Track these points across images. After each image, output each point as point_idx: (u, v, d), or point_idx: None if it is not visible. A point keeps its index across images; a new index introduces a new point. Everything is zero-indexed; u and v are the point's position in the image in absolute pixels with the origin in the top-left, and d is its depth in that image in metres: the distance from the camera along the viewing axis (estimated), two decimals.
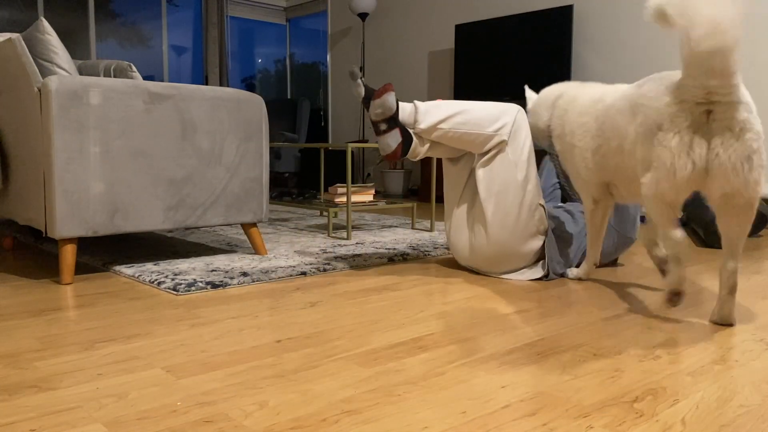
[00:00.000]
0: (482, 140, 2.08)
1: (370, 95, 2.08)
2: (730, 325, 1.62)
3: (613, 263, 2.46)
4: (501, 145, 2.08)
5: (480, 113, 2.09)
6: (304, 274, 2.21)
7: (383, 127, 2.06)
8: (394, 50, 6.29)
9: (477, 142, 2.09)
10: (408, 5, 6.09)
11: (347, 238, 3.01)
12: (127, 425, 1.00)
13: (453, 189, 2.28)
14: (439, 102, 2.12)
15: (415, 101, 2.12)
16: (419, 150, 2.13)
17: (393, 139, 2.06)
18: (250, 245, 2.79)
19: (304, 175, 6.31)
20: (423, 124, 2.08)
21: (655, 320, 1.66)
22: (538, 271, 2.17)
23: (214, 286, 1.99)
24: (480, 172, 2.11)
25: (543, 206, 2.14)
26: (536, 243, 2.14)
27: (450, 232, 2.29)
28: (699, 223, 3.10)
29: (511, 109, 2.11)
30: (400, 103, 2.10)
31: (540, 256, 2.19)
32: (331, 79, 7.05)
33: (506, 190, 2.08)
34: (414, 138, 2.11)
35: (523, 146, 2.09)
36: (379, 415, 1.05)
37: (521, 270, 2.19)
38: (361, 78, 2.09)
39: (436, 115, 2.08)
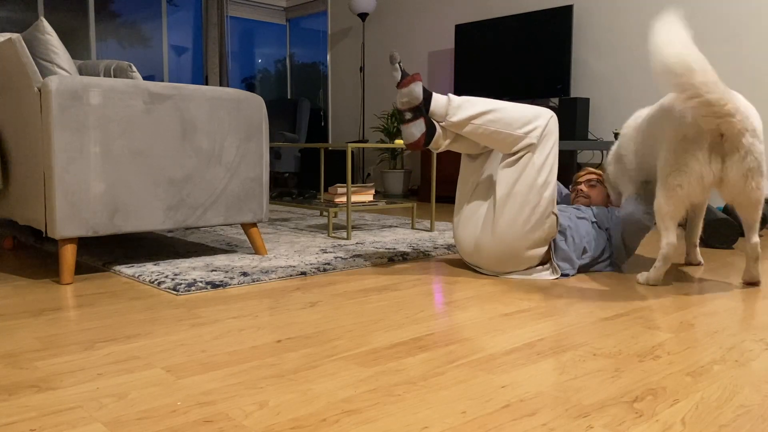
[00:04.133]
0: (512, 141, 2.08)
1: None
2: (757, 283, 2.11)
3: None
4: (530, 148, 2.08)
5: (513, 114, 2.08)
6: (304, 274, 2.21)
7: (408, 116, 2.08)
8: (394, 50, 6.29)
9: (506, 142, 2.09)
10: (408, 5, 6.09)
11: (347, 238, 3.01)
12: (127, 425, 1.00)
13: (466, 184, 2.29)
14: (472, 98, 2.13)
15: (450, 94, 2.12)
16: (441, 142, 2.15)
17: (417, 128, 2.08)
18: (250, 245, 2.79)
19: (304, 175, 6.31)
20: (455, 118, 2.08)
21: (655, 320, 1.66)
22: (547, 274, 2.18)
23: (214, 286, 1.99)
24: (503, 172, 2.11)
25: (556, 215, 2.13)
26: (541, 250, 2.14)
27: (457, 226, 2.29)
28: None
29: (545, 113, 2.11)
30: (434, 95, 2.10)
31: (545, 259, 2.19)
32: (331, 79, 7.05)
33: (525, 191, 2.07)
34: (438, 129, 2.12)
35: (549, 152, 2.09)
36: (379, 415, 1.05)
37: (529, 270, 2.19)
38: (399, 62, 2.10)
39: (470, 110, 2.08)
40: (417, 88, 2.06)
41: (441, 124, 2.12)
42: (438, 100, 2.10)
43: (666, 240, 2.03)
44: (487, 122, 2.08)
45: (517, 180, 2.08)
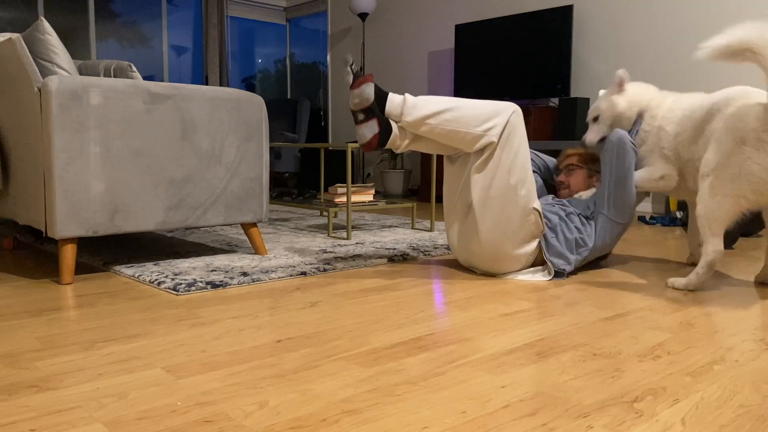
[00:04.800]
0: (470, 139, 2.04)
1: None
2: None
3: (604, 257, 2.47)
4: (491, 147, 2.04)
5: (471, 111, 2.04)
6: (304, 274, 2.21)
7: (361, 117, 2.06)
8: (394, 50, 6.29)
9: (465, 140, 2.05)
10: (408, 5, 6.09)
11: (347, 238, 3.01)
12: (127, 425, 1.00)
13: (451, 188, 2.25)
14: (430, 97, 2.09)
15: (406, 94, 2.08)
16: (400, 143, 2.11)
17: (369, 129, 2.05)
18: (250, 245, 2.79)
19: (304, 175, 6.32)
20: (409, 118, 2.05)
21: (655, 320, 1.66)
22: (544, 274, 2.17)
23: (214, 286, 1.99)
24: (474, 177, 2.08)
25: (538, 210, 2.11)
26: (530, 247, 2.13)
27: (449, 231, 2.29)
28: None
29: (506, 109, 2.05)
30: (390, 95, 2.07)
31: (539, 257, 2.19)
32: (331, 79, 7.05)
33: (499, 195, 2.05)
34: (395, 130, 2.08)
35: (517, 150, 2.06)
36: (379, 415, 1.05)
37: (525, 271, 2.18)
38: (351, 66, 2.10)
39: (424, 109, 2.04)
40: (368, 89, 2.03)
41: (398, 124, 2.09)
42: (393, 100, 2.06)
43: (713, 246, 1.93)
44: (443, 121, 2.03)
45: (490, 184, 2.05)
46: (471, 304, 1.82)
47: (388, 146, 2.10)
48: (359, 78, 2.06)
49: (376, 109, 2.05)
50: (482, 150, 2.06)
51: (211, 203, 2.31)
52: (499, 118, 2.04)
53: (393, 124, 2.09)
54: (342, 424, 1.01)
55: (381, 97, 2.06)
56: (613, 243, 2.33)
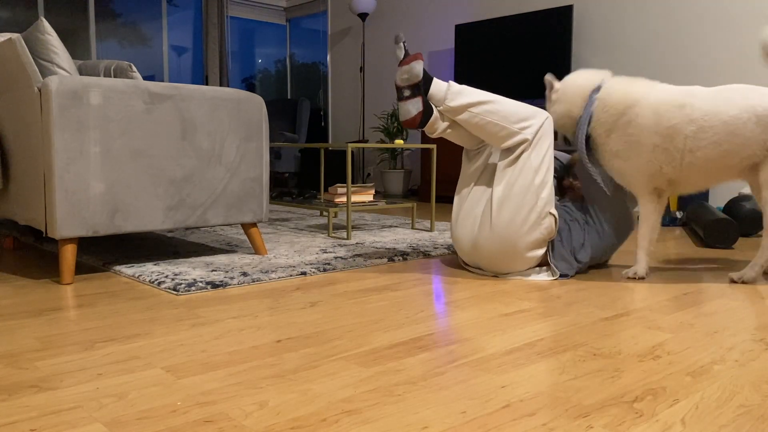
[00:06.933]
0: (505, 134, 2.11)
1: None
2: None
3: (604, 264, 2.47)
4: (524, 145, 2.10)
5: (510, 108, 2.12)
6: (304, 274, 2.21)
7: (407, 93, 2.14)
8: (394, 50, 6.29)
9: (500, 135, 2.12)
10: (408, 5, 6.09)
11: (347, 238, 3.01)
12: (127, 425, 1.00)
13: (465, 184, 2.30)
14: (472, 88, 2.17)
15: (450, 81, 2.17)
16: (438, 125, 2.19)
17: (414, 106, 2.13)
18: (250, 245, 2.79)
19: (304, 175, 6.32)
20: (453, 103, 2.13)
21: (655, 320, 1.66)
22: (548, 274, 2.17)
23: (214, 286, 1.99)
24: (503, 172, 2.12)
25: (554, 216, 2.13)
26: (539, 251, 2.14)
27: (455, 225, 2.29)
28: (699, 223, 3.10)
29: (542, 114, 2.14)
30: (435, 79, 2.16)
31: (544, 259, 2.19)
32: (331, 79, 7.05)
33: (522, 192, 2.08)
34: (435, 112, 2.17)
35: (545, 153, 2.11)
36: (379, 415, 1.05)
37: (528, 271, 2.18)
38: (403, 42, 2.19)
39: (468, 97, 2.12)
40: (417, 66, 2.12)
41: (439, 108, 2.17)
42: (438, 85, 2.15)
43: None
44: (483, 112, 2.11)
45: (515, 181, 2.09)
46: (471, 304, 1.82)
47: (426, 128, 2.18)
48: (409, 55, 2.15)
49: (422, 87, 2.13)
50: (512, 148, 2.12)
51: (211, 203, 2.31)
52: (535, 119, 2.12)
53: (434, 107, 2.17)
54: (342, 424, 1.01)
55: (426, 79, 2.14)
56: (607, 254, 2.35)
